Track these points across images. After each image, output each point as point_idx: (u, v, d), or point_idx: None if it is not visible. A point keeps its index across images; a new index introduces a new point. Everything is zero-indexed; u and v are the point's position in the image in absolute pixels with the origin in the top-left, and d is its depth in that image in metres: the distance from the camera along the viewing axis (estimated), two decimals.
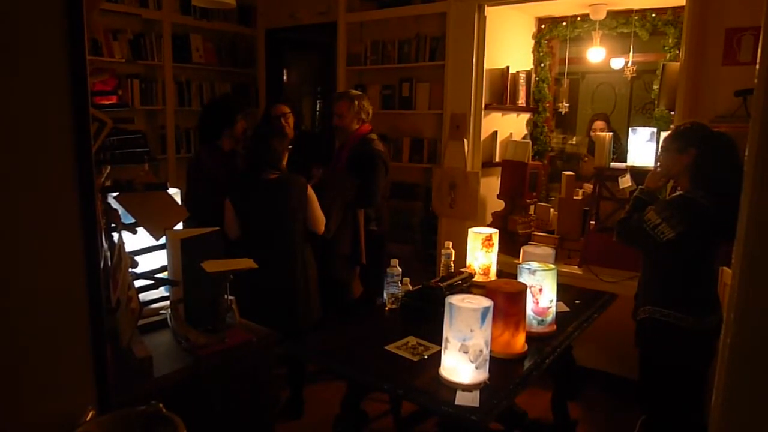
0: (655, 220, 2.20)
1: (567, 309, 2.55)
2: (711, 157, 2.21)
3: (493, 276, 2.82)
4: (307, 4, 4.88)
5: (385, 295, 2.56)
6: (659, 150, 2.47)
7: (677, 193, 2.34)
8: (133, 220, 1.63)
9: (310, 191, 2.97)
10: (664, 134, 3.33)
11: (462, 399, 1.72)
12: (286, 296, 2.91)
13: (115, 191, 1.59)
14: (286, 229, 2.92)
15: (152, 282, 1.82)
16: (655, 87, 3.91)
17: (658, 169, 2.42)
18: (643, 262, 2.46)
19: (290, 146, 3.09)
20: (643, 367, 2.43)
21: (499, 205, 4.12)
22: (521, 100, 4.45)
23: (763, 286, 0.82)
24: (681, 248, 2.23)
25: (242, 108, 3.42)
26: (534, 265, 2.26)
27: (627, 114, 4.77)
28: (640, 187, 2.46)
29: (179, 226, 1.90)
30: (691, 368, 2.29)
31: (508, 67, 4.27)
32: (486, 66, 4.07)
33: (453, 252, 2.88)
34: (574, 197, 3.88)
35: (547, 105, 4.61)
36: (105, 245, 1.47)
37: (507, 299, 1.97)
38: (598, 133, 3.98)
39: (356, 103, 3.46)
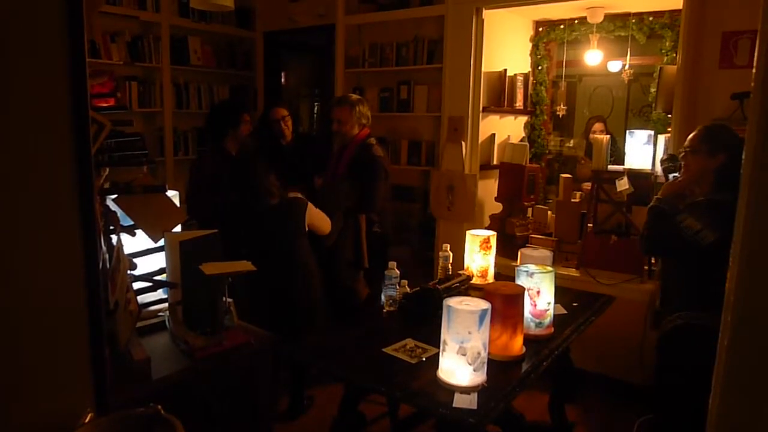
0: (695, 226, 2.18)
1: (564, 311, 2.55)
2: (737, 161, 2.19)
3: (490, 278, 2.82)
4: (305, 7, 4.89)
5: (383, 297, 2.56)
6: (683, 150, 2.37)
7: (699, 198, 2.29)
8: (132, 222, 1.63)
9: (311, 208, 2.96)
10: (662, 137, 3.35)
11: (460, 401, 1.72)
12: (289, 311, 2.91)
13: (114, 193, 1.59)
14: (288, 250, 2.92)
15: (151, 284, 1.82)
16: (653, 90, 3.92)
17: (681, 177, 2.36)
18: (670, 270, 2.39)
19: (284, 144, 3.08)
20: (673, 374, 2.36)
21: (497, 207, 4.13)
22: (519, 103, 4.46)
23: (761, 288, 0.82)
24: (720, 250, 2.22)
25: (247, 110, 3.43)
26: (532, 267, 2.26)
27: (624, 117, 4.78)
28: (657, 197, 2.40)
29: (178, 227, 1.90)
30: None
31: (505, 70, 4.28)
32: (484, 69, 4.07)
33: (451, 254, 2.88)
34: (572, 200, 3.89)
35: (545, 108, 4.63)
36: (104, 247, 1.47)
37: (505, 302, 1.97)
38: (595, 135, 3.99)
39: (357, 108, 3.41)
